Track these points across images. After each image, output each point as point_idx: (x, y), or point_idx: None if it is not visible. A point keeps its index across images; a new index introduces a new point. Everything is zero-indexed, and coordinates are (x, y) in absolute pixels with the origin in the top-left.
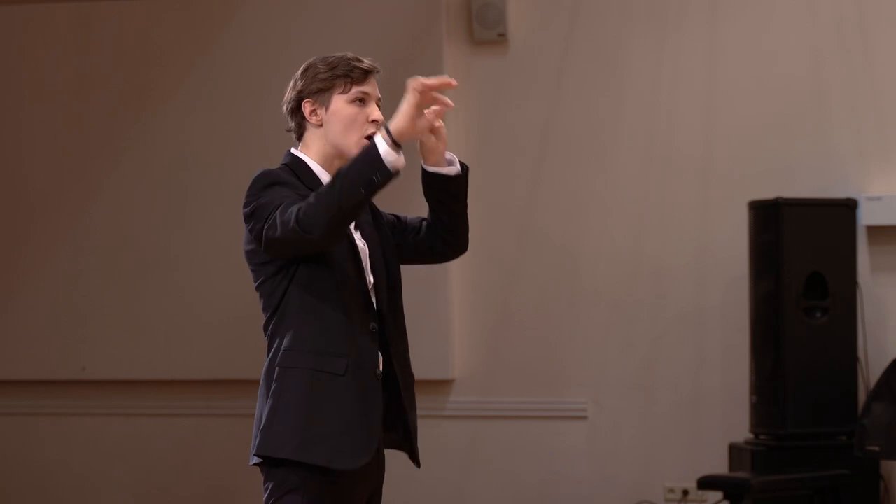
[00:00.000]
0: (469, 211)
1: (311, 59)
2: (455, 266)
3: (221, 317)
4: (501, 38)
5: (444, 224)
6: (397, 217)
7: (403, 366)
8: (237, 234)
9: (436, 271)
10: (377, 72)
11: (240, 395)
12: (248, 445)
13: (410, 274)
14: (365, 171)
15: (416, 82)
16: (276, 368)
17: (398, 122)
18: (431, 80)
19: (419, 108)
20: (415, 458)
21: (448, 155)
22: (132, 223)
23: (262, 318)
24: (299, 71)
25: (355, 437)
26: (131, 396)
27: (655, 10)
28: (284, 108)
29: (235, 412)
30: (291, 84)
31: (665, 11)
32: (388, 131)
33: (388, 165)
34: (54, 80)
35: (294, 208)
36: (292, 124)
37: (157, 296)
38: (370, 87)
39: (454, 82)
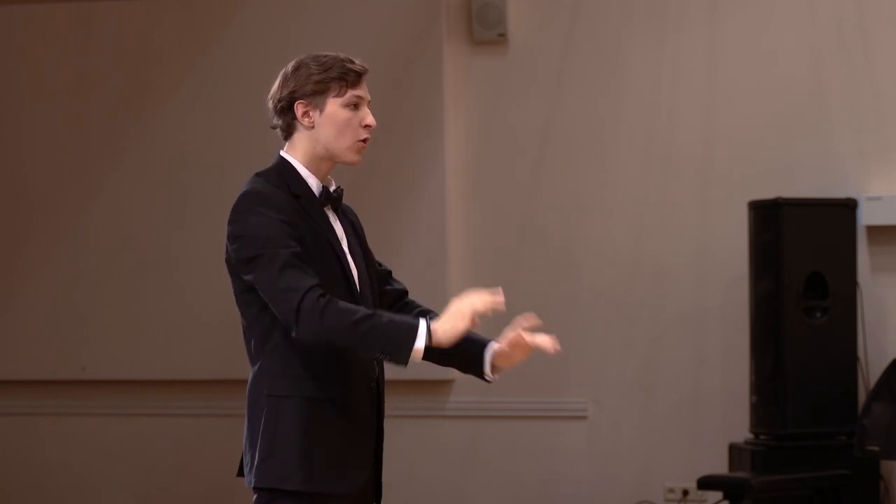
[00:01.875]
0: (469, 210)
1: (303, 58)
2: (455, 266)
3: (221, 317)
4: (501, 38)
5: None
6: (379, 270)
7: (382, 380)
8: None
9: (435, 271)
10: (368, 73)
11: (240, 395)
12: None
13: (410, 274)
14: (389, 348)
15: (477, 305)
16: (268, 398)
17: (444, 336)
18: (484, 304)
19: (467, 328)
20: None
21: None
22: (132, 223)
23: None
24: (290, 68)
25: (353, 460)
26: (131, 396)
27: (655, 10)
28: (272, 104)
29: (235, 412)
30: (280, 81)
31: (665, 11)
32: (429, 334)
33: (410, 360)
34: (54, 80)
35: (305, 287)
36: (279, 122)
37: (157, 296)
38: (363, 91)
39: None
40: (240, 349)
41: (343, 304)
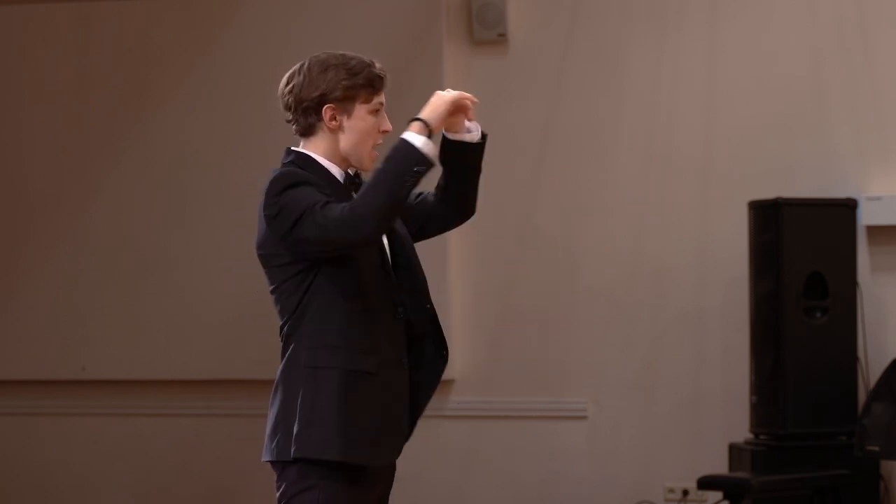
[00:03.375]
0: None
1: (328, 57)
2: (455, 266)
3: (221, 317)
4: (501, 38)
5: (458, 191)
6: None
7: (434, 345)
8: (237, 234)
9: (435, 271)
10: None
11: (240, 395)
12: (248, 445)
13: None
14: (409, 164)
15: (456, 93)
16: (305, 369)
17: (434, 117)
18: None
19: (453, 110)
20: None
21: (468, 123)
22: (132, 223)
23: (267, 319)
24: (316, 68)
25: (389, 434)
26: (131, 396)
27: (655, 10)
28: (292, 100)
29: (235, 412)
30: (305, 79)
31: (665, 11)
32: (424, 123)
33: (429, 156)
34: (54, 80)
35: (337, 208)
36: (300, 120)
37: (157, 296)
38: (383, 96)
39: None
40: (239, 349)
41: (358, 193)
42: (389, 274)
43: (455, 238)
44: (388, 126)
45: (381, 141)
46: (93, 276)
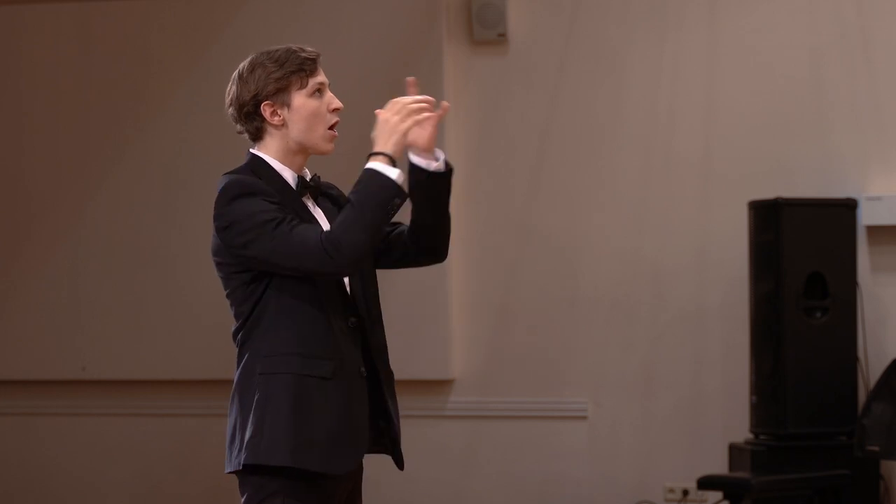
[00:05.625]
0: (469, 210)
1: (254, 57)
2: (455, 266)
3: (221, 317)
4: (501, 38)
5: (425, 227)
6: None
7: (383, 361)
8: None
9: (435, 271)
10: (321, 56)
11: None
12: None
13: (410, 274)
14: (388, 197)
15: (407, 116)
16: (258, 376)
17: (394, 150)
18: (415, 100)
19: (405, 129)
20: (399, 461)
21: (436, 151)
22: (132, 223)
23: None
24: (245, 71)
25: (345, 440)
26: (131, 396)
27: (655, 10)
28: (234, 111)
29: None
30: (238, 87)
31: (665, 11)
32: (388, 157)
33: (404, 188)
34: (54, 80)
35: (301, 232)
36: (247, 127)
37: (157, 296)
38: (322, 76)
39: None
40: None
41: (338, 222)
42: (342, 281)
43: (455, 238)
44: (337, 104)
45: (335, 120)
46: (93, 276)
